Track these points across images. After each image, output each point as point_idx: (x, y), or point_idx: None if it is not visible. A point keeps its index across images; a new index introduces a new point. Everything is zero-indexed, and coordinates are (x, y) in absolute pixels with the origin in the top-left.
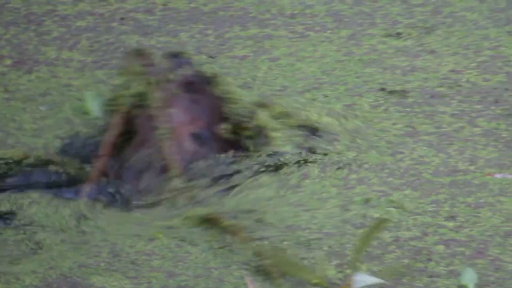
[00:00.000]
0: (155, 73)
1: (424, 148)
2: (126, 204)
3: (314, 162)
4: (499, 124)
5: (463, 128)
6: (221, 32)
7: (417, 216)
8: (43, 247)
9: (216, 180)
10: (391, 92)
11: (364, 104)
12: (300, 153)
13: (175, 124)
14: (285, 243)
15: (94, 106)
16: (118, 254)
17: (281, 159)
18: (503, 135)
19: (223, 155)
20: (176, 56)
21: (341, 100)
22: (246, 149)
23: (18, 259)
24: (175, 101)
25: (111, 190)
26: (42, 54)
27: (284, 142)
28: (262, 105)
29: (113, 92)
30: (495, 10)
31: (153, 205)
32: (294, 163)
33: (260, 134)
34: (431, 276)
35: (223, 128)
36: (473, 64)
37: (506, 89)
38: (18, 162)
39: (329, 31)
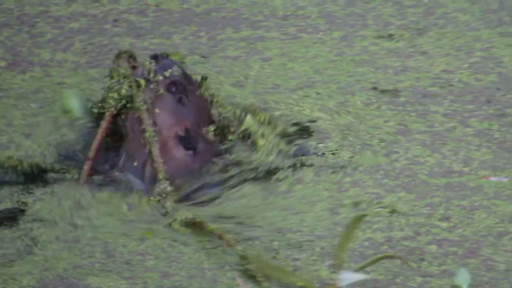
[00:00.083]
0: (142, 75)
1: (419, 147)
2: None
3: (309, 166)
4: (492, 124)
5: (455, 128)
6: (214, 33)
7: (410, 217)
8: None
9: (203, 183)
10: (384, 91)
11: (357, 102)
12: (290, 158)
13: (161, 126)
14: (275, 243)
15: (74, 105)
16: (112, 254)
17: (273, 164)
18: (496, 136)
19: (211, 159)
20: (163, 58)
21: (333, 98)
22: (233, 153)
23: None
24: (161, 103)
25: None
26: (36, 56)
27: (271, 148)
28: (250, 110)
29: (101, 94)
30: (487, 11)
31: (140, 205)
32: (288, 167)
33: (248, 139)
34: (424, 276)
35: (210, 131)
36: (465, 65)
37: (498, 89)
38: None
39: (321, 33)
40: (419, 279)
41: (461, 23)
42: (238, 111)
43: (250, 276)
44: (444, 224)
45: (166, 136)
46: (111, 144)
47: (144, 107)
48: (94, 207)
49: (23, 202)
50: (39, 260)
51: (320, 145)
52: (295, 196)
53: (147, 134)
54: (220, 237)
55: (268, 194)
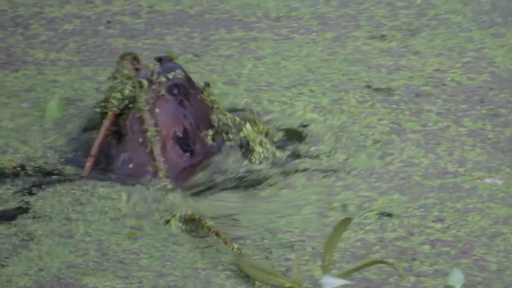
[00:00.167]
0: (145, 76)
1: (413, 148)
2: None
3: (303, 170)
4: (485, 124)
5: (449, 127)
6: (207, 34)
7: (404, 219)
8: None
9: (199, 183)
10: (377, 90)
11: (351, 99)
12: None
13: (160, 126)
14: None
15: (51, 105)
16: (106, 253)
17: (266, 169)
18: (489, 136)
19: (208, 161)
20: (167, 61)
21: (327, 96)
22: (229, 158)
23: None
24: (162, 104)
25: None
26: (30, 56)
27: (267, 155)
28: (249, 119)
29: (104, 94)
30: (479, 12)
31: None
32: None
33: (245, 145)
34: (418, 276)
35: (208, 135)
36: (458, 64)
37: (491, 89)
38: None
39: (314, 33)
40: (413, 279)
41: (453, 24)
42: (237, 119)
43: (244, 276)
44: (438, 225)
45: (165, 136)
46: (111, 144)
47: (146, 107)
48: (91, 203)
49: (26, 202)
50: (33, 256)
51: (313, 148)
52: (283, 200)
53: (148, 134)
54: (217, 234)
55: (252, 198)
